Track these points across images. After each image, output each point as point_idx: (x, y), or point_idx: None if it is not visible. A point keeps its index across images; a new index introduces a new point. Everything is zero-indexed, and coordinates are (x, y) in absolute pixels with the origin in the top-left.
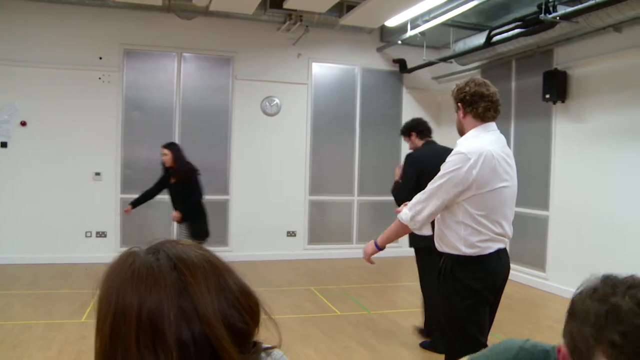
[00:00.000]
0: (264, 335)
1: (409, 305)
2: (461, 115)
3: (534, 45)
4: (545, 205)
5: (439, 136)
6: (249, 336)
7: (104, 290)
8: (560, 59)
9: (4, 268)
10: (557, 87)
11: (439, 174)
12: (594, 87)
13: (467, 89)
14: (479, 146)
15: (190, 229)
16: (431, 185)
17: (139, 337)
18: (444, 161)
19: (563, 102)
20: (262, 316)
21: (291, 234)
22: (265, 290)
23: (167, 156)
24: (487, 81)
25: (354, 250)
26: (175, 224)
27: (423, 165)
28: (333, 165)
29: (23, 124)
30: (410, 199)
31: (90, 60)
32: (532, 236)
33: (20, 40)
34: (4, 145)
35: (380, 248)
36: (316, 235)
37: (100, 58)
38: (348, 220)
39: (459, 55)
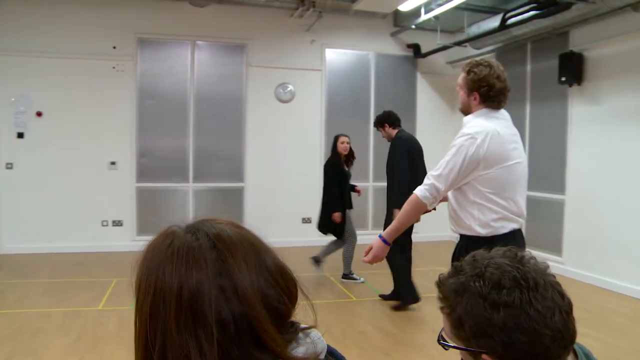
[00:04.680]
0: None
1: (424, 291)
2: (475, 102)
3: (549, 28)
4: (561, 189)
5: (454, 122)
6: (287, 317)
7: (143, 270)
8: (576, 41)
9: (21, 258)
10: (573, 70)
11: (449, 151)
12: (611, 69)
13: (491, 82)
14: (485, 125)
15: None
16: (443, 160)
17: (179, 318)
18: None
19: (579, 84)
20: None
21: (306, 220)
22: None
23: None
24: (501, 68)
25: (370, 236)
26: (194, 213)
27: (411, 145)
28: None
29: (39, 114)
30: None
31: (104, 50)
32: (548, 220)
33: (33, 31)
34: (21, 135)
35: (389, 243)
36: None
37: (114, 47)
38: (364, 205)
39: (474, 39)
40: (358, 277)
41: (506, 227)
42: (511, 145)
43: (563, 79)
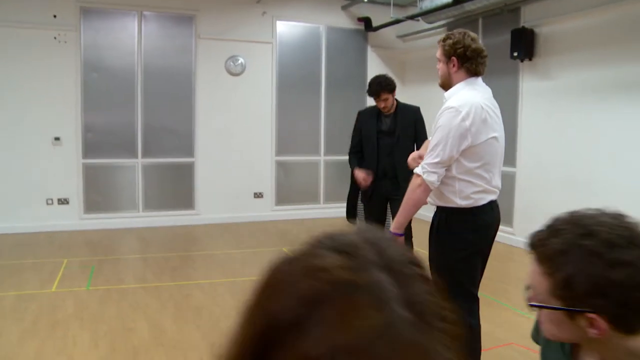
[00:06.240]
0: None
1: None
2: (454, 69)
3: (501, 3)
4: (512, 162)
5: (403, 95)
6: None
7: None
8: (528, 17)
9: None
10: (524, 45)
11: (437, 131)
12: (561, 45)
13: (467, 43)
14: (468, 99)
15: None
16: (434, 143)
17: None
18: None
19: (530, 60)
20: None
21: (258, 195)
22: (238, 252)
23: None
24: (475, 35)
25: (322, 210)
26: (143, 190)
27: None
28: (299, 125)
29: None
30: None
31: (44, 19)
32: (500, 192)
33: None
34: None
35: (401, 234)
36: (283, 196)
37: (55, 16)
38: (315, 180)
39: (426, 13)
40: None
41: (485, 199)
42: (493, 119)
43: (515, 54)
